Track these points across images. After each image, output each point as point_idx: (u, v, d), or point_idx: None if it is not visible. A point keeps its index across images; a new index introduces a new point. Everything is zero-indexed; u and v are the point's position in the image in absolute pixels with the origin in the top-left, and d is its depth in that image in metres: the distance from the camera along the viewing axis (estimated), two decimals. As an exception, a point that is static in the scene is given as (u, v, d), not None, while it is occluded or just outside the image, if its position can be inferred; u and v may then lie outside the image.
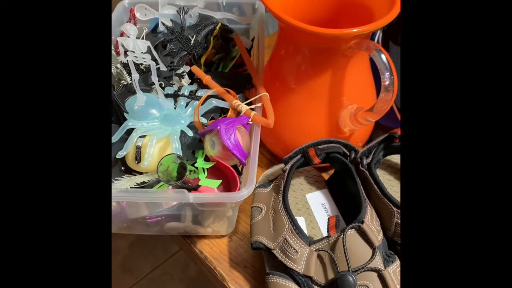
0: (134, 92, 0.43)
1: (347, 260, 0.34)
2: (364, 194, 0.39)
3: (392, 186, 0.45)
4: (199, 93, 0.45)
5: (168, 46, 0.49)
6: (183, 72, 0.48)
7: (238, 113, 0.43)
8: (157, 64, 0.46)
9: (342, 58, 0.41)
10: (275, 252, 0.37)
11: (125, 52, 0.46)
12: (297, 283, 0.35)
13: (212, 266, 0.43)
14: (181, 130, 0.42)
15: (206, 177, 0.40)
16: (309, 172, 0.47)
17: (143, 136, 0.41)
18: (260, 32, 0.51)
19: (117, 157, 0.40)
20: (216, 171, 0.41)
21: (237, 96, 0.45)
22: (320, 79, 0.43)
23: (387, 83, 0.38)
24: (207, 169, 0.40)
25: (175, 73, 0.48)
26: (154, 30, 0.51)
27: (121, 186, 0.40)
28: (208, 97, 0.44)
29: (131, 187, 0.40)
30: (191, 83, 0.48)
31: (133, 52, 0.45)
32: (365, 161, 0.41)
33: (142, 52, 0.45)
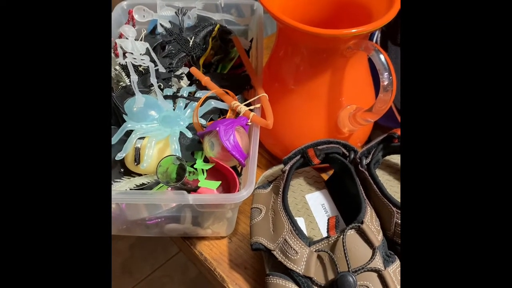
0: (133, 94, 0.43)
1: (347, 261, 0.34)
2: (364, 194, 0.39)
3: (392, 186, 0.45)
4: (198, 95, 0.45)
5: (166, 47, 0.49)
6: (181, 73, 0.48)
7: (237, 114, 0.43)
8: (155, 65, 0.46)
9: (341, 58, 0.41)
10: (275, 253, 0.37)
11: (124, 54, 0.46)
12: (297, 283, 0.35)
13: (212, 268, 0.42)
14: (180, 132, 0.42)
15: (205, 179, 0.40)
16: (309, 173, 0.47)
17: (142, 138, 0.41)
18: (259, 33, 0.51)
19: (116, 158, 0.40)
20: (215, 172, 0.41)
21: (236, 97, 0.45)
22: (319, 80, 0.43)
23: (386, 83, 0.38)
24: (207, 170, 0.40)
25: (174, 74, 0.48)
26: (153, 31, 0.51)
27: (120, 188, 0.40)
28: (207, 98, 0.44)
29: (130, 189, 0.40)
30: (190, 85, 0.48)
31: (132, 53, 0.45)
32: (364, 161, 0.41)
33: (140, 54, 0.45)
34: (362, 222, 0.36)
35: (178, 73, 0.48)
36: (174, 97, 0.45)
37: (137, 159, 0.40)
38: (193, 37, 0.49)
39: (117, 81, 0.48)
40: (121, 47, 0.46)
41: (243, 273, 0.42)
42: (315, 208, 0.44)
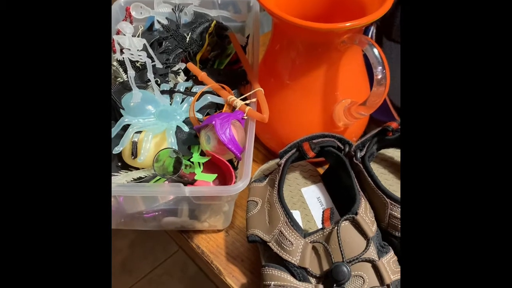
0: (130, 89, 0.44)
1: (341, 251, 0.35)
2: (358, 186, 0.40)
3: (386, 180, 0.45)
4: (194, 89, 0.45)
5: (163, 43, 0.49)
6: (178, 69, 0.48)
7: (233, 108, 0.43)
8: (152, 61, 0.46)
9: (336, 53, 0.41)
10: (270, 244, 0.37)
11: (121, 50, 0.46)
12: (292, 274, 0.35)
13: (209, 261, 0.43)
14: (177, 126, 0.42)
15: (202, 172, 0.40)
16: (304, 167, 0.48)
17: (139, 132, 0.42)
18: (255, 29, 0.52)
19: (113, 152, 0.41)
20: (211, 166, 0.41)
21: (232, 92, 0.45)
22: (314, 74, 0.43)
23: (379, 77, 0.38)
24: (203, 163, 0.41)
25: (170, 70, 0.48)
26: (150, 28, 0.52)
27: (118, 182, 0.41)
28: (203, 93, 0.44)
29: (127, 182, 0.41)
30: (186, 80, 0.49)
31: (129, 49, 0.45)
32: (359, 155, 0.42)
33: (138, 50, 0.46)
34: (356, 214, 0.36)
35: (175, 68, 0.48)
36: (171, 92, 0.45)
37: (134, 153, 0.41)
38: (189, 33, 0.50)
39: (114, 76, 0.49)
40: (119, 43, 0.47)
41: (240, 265, 0.43)
42: (310, 201, 0.44)
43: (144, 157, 0.40)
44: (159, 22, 0.51)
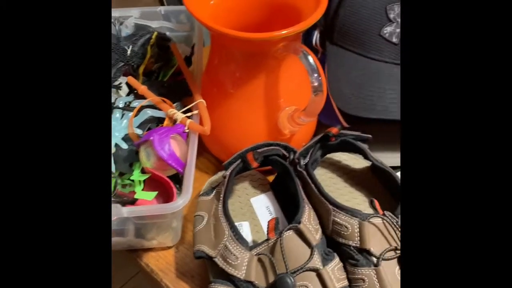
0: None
1: (285, 262, 0.34)
2: (303, 194, 0.40)
3: (335, 184, 0.46)
4: (134, 104, 0.44)
5: (103, 58, 0.48)
6: (120, 83, 0.47)
7: (174, 122, 0.42)
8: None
9: (273, 60, 0.41)
10: (216, 259, 0.37)
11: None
12: (238, 289, 0.35)
13: (159, 279, 0.42)
14: (116, 143, 0.41)
15: (144, 189, 0.39)
16: (254, 176, 0.47)
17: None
18: (198, 39, 0.51)
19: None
20: (154, 183, 0.40)
21: (174, 105, 0.44)
22: (255, 83, 0.43)
23: (315, 84, 0.38)
24: (144, 181, 0.40)
25: (112, 85, 0.47)
26: (89, 42, 0.50)
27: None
28: (143, 107, 0.43)
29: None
30: (128, 94, 0.48)
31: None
32: (302, 162, 0.41)
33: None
34: (299, 222, 0.36)
35: (116, 83, 0.47)
36: (110, 109, 0.44)
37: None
38: (131, 46, 0.49)
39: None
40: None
41: (190, 282, 0.42)
42: (260, 211, 0.44)
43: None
44: (98, 36, 0.49)
